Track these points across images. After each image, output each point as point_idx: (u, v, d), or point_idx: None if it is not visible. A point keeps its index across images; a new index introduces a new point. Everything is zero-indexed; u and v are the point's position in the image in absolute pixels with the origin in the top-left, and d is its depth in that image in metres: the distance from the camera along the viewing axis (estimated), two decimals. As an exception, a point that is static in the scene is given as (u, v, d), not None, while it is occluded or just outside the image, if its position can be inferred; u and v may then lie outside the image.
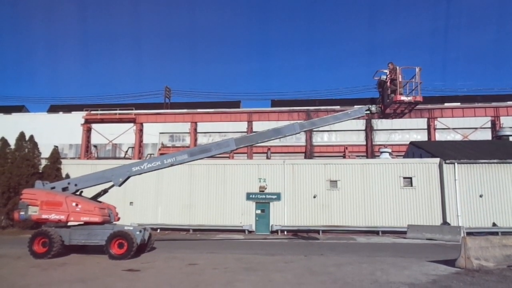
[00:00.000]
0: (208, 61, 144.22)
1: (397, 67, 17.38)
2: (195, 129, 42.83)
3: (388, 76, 17.73)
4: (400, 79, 17.20)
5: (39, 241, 14.25)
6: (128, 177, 16.41)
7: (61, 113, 56.04)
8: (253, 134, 21.03)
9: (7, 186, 25.80)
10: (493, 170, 26.09)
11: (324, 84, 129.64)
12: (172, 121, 44.13)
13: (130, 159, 42.18)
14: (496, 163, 26.19)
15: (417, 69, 17.26)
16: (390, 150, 35.36)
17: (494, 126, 39.22)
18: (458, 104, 43.41)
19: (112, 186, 16.40)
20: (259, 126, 38.93)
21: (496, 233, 23.18)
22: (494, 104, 40.94)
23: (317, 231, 26.18)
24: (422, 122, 42.40)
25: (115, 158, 46.88)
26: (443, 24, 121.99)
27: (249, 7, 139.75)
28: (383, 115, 18.74)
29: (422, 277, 10.61)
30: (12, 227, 25.50)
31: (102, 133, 42.86)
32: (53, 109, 60.79)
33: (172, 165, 16.74)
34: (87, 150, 42.54)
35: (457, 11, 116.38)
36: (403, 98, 16.98)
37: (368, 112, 17.85)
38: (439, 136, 41.33)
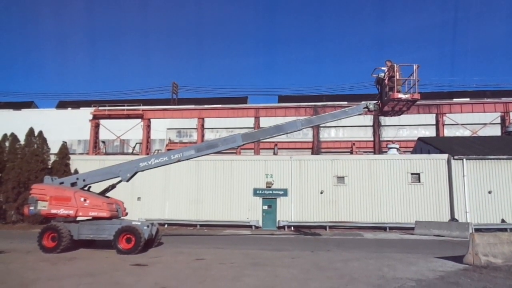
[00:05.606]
0: (215, 56, 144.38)
1: (395, 65, 17.18)
2: (202, 125, 42.91)
3: (386, 73, 17.50)
4: (397, 77, 16.98)
5: (49, 235, 14.43)
6: (136, 173, 16.53)
7: (69, 109, 56.68)
8: (256, 131, 21.07)
9: (17, 181, 26.16)
10: (502, 166, 25.82)
11: (332, 79, 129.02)
12: (179, 117, 44.25)
13: (137, 154, 42.49)
14: (505, 159, 25.89)
15: (414, 67, 17.01)
16: (397, 146, 35.07)
17: (503, 122, 38.75)
18: (467, 99, 42.99)
19: (120, 181, 16.51)
20: (266, 122, 38.86)
21: (505, 230, 22.94)
22: (503, 99, 40.45)
23: (324, 227, 26.17)
24: (430, 118, 42.03)
25: (123, 153, 47.31)
26: (452, 18, 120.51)
27: (255, 1, 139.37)
28: (381, 112, 18.55)
29: (429, 273, 10.57)
30: (22, 222, 25.89)
31: (110, 129, 43.13)
32: (62, 105, 61.49)
33: (179, 160, 16.81)
34: (95, 145, 42.87)
35: (466, 4, 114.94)
36: (401, 95, 16.73)
37: (366, 109, 17.72)
38: (447, 132, 40.96)
